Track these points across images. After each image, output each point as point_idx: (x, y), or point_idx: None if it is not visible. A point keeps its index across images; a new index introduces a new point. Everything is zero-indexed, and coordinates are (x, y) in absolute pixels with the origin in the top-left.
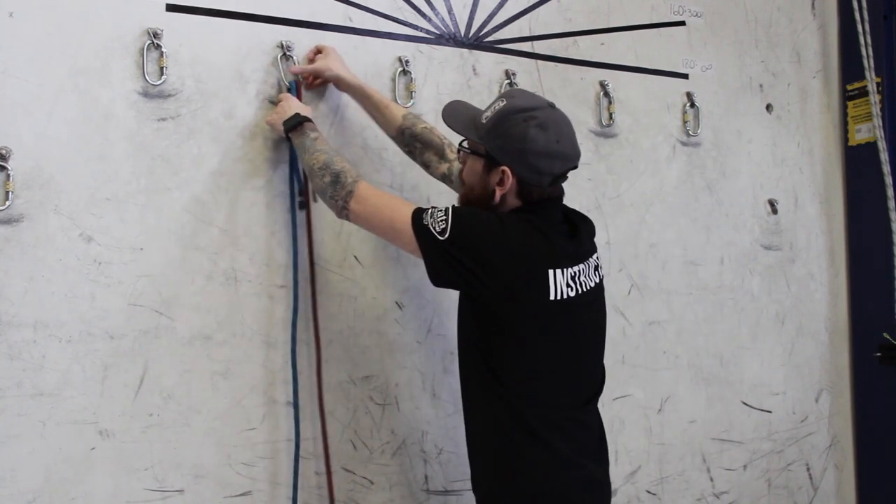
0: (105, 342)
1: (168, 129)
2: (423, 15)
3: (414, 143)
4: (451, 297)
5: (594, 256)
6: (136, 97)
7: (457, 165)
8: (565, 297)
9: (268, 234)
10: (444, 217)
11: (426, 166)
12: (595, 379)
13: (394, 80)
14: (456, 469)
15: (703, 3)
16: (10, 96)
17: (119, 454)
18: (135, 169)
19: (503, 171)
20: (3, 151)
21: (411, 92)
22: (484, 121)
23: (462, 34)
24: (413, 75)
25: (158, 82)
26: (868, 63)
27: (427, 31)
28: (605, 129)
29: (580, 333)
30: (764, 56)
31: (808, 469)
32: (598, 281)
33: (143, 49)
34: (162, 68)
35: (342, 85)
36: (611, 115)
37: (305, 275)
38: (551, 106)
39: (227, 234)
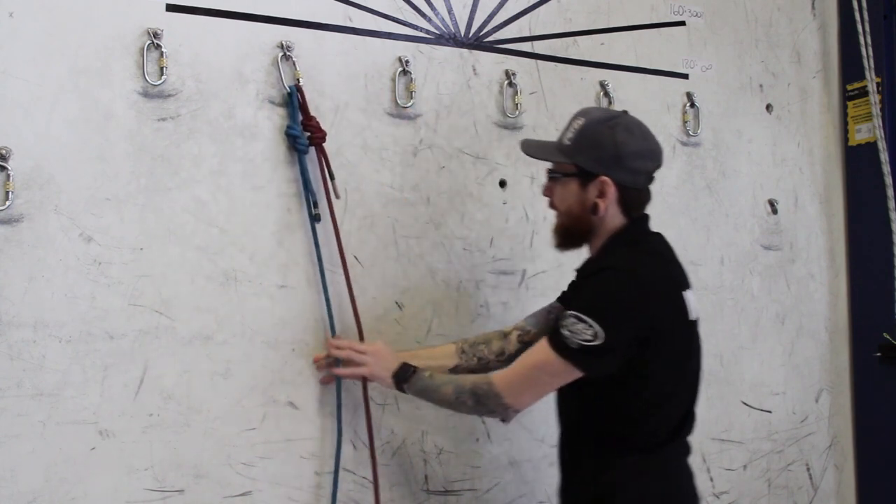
0: (105, 342)
1: (168, 129)
2: (423, 15)
3: (478, 348)
4: (452, 297)
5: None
6: (136, 97)
7: (514, 338)
8: (693, 317)
9: (268, 234)
10: (583, 324)
11: (495, 356)
12: (696, 399)
13: (394, 80)
14: (456, 469)
15: (703, 3)
16: (10, 96)
17: (119, 454)
18: (135, 169)
19: (602, 182)
20: (3, 151)
21: (411, 92)
22: (567, 142)
23: (462, 34)
24: (413, 75)
25: (158, 82)
26: (868, 63)
27: (427, 31)
28: None
29: (699, 352)
30: (764, 56)
31: (808, 469)
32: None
33: (143, 49)
34: (162, 68)
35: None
36: None
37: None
38: (625, 112)
39: (227, 234)
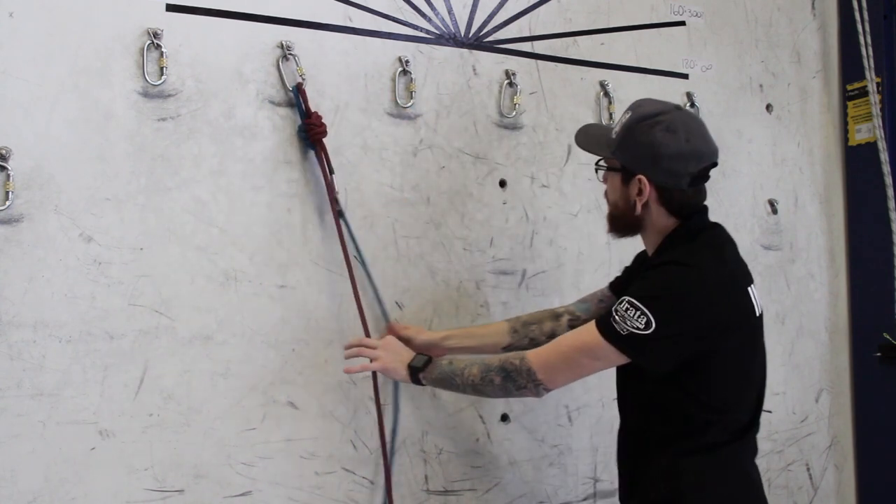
0: (105, 342)
1: (168, 129)
2: (423, 15)
3: (529, 328)
4: (452, 297)
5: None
6: (137, 97)
7: (565, 322)
8: (759, 312)
9: (268, 234)
10: (636, 311)
11: (546, 336)
12: (763, 396)
13: (394, 80)
14: (456, 469)
15: (703, 3)
16: (10, 96)
17: (119, 454)
18: (135, 169)
19: (639, 181)
20: (3, 151)
21: (411, 92)
22: (614, 136)
23: (462, 34)
24: (413, 75)
25: (158, 82)
26: (868, 63)
27: (427, 31)
28: None
29: (763, 347)
30: (764, 56)
31: (808, 469)
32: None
33: (143, 49)
34: (162, 68)
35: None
36: (611, 115)
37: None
38: (678, 108)
39: (227, 234)
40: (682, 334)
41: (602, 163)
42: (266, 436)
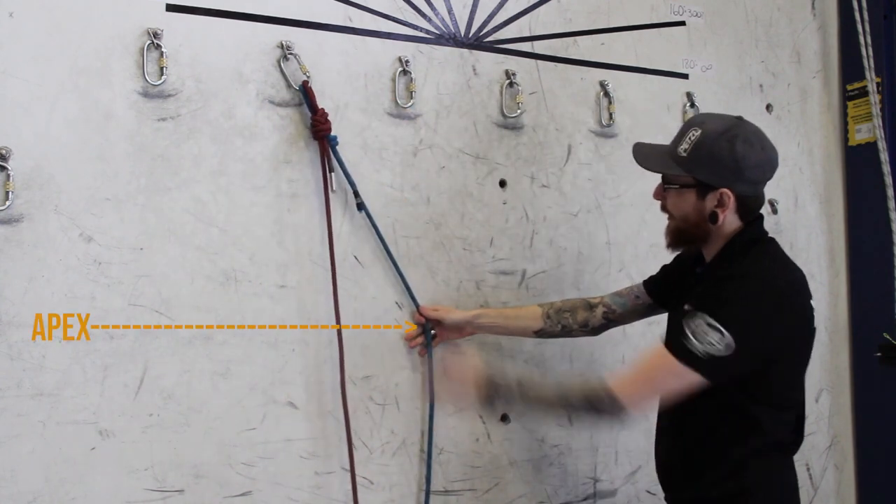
0: (105, 342)
1: (168, 129)
2: (423, 15)
3: (563, 315)
4: (452, 297)
5: None
6: (136, 97)
7: (600, 313)
8: (815, 324)
9: (268, 234)
10: (718, 333)
11: (579, 325)
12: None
13: (394, 80)
14: (456, 469)
15: (703, 3)
16: (10, 96)
17: (119, 454)
18: (135, 169)
19: (722, 193)
20: (3, 151)
21: (411, 92)
22: (683, 154)
23: (462, 34)
24: (413, 75)
25: (158, 82)
26: (868, 63)
27: (427, 31)
28: (605, 129)
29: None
30: (764, 56)
31: (808, 469)
32: None
33: (143, 49)
34: (162, 68)
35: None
36: (611, 115)
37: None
38: (739, 118)
39: (227, 234)
40: (757, 352)
41: (671, 180)
42: (266, 436)
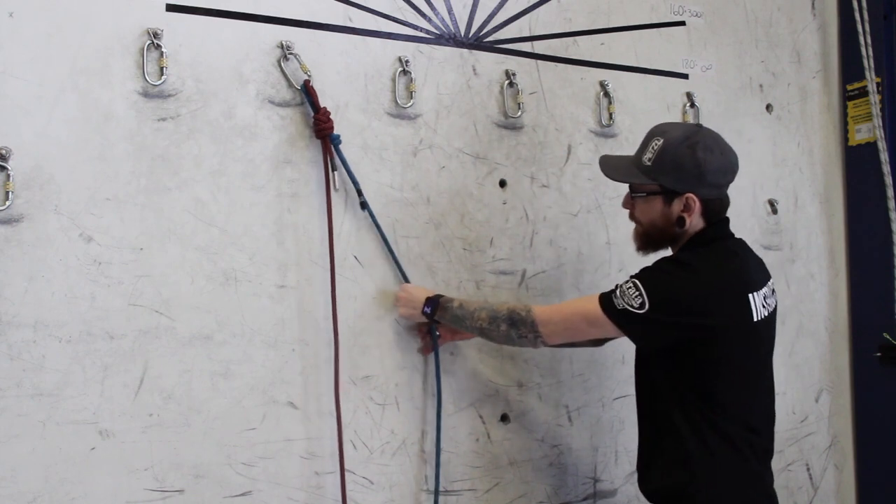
0: (105, 342)
1: (168, 129)
2: (423, 15)
3: None
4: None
5: (770, 282)
6: (136, 97)
7: None
8: (761, 318)
9: (268, 234)
10: (636, 291)
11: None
12: (772, 399)
13: (394, 80)
14: (456, 469)
15: (703, 3)
16: (10, 96)
17: (119, 454)
18: (135, 169)
19: (687, 198)
20: (3, 151)
21: (411, 92)
22: (648, 163)
23: (462, 34)
24: (413, 75)
25: (158, 82)
26: (868, 63)
27: (427, 31)
28: (605, 129)
29: (766, 352)
30: (764, 56)
31: (808, 469)
32: (774, 305)
33: (143, 49)
34: (162, 68)
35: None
36: (611, 115)
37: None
38: (699, 126)
39: (227, 234)
40: (668, 323)
41: (637, 189)
42: (266, 436)
